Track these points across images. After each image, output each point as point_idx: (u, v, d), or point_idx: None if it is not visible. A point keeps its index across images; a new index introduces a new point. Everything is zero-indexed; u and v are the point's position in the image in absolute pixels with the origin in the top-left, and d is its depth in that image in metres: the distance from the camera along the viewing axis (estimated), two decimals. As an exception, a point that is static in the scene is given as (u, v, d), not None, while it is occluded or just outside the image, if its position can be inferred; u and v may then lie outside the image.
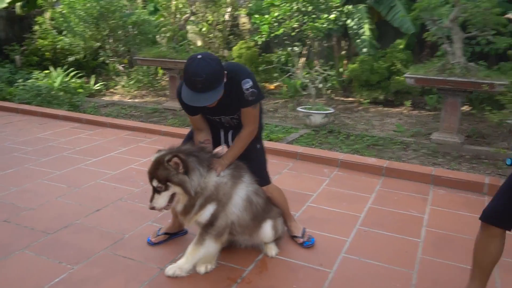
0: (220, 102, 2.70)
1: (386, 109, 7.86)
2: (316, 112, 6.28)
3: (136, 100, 8.61)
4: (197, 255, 2.76)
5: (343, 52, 9.49)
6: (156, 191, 2.59)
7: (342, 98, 8.74)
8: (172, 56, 7.10)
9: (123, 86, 9.13)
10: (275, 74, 9.12)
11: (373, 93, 7.91)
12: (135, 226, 3.40)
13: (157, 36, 9.82)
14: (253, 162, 2.97)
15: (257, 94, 2.73)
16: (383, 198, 4.11)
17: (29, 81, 8.11)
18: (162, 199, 2.58)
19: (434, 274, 2.92)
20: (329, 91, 8.73)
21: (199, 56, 2.50)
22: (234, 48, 9.34)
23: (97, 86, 9.05)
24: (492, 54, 7.23)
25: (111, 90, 9.37)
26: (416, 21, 7.40)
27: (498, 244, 2.33)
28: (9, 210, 3.63)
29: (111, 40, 9.13)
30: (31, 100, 7.53)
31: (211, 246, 2.75)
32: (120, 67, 9.41)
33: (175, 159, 2.51)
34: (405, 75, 5.79)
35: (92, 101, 8.19)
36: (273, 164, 4.95)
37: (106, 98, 8.73)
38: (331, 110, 6.48)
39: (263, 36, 8.30)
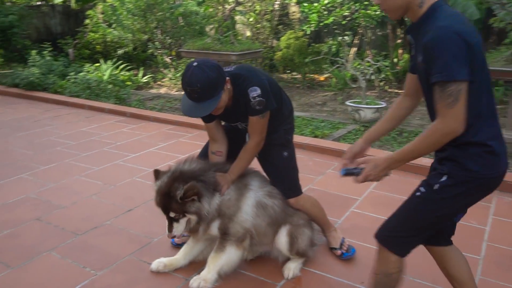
0: (230, 109, 2.52)
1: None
2: (366, 106, 5.86)
3: (183, 93, 8.54)
4: (219, 263, 2.58)
5: (399, 41, 8.90)
6: (173, 220, 2.47)
7: (396, 90, 8.20)
8: (216, 48, 6.92)
9: (170, 79, 9.10)
10: (325, 65, 8.72)
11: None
12: (163, 230, 3.21)
13: (207, 28, 9.73)
14: (279, 172, 2.76)
15: (266, 103, 2.45)
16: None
17: (80, 74, 8.26)
18: (181, 226, 2.49)
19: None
20: (382, 83, 8.23)
21: (195, 64, 2.32)
22: (282, 38, 9.03)
23: (145, 79, 9.08)
24: None
25: (159, 82, 9.37)
26: (481, 6, 6.75)
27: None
28: (43, 208, 3.60)
29: (159, 32, 9.11)
30: (81, 93, 7.64)
31: (232, 252, 2.59)
32: (168, 59, 9.38)
33: (191, 195, 2.38)
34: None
35: (138, 94, 8.21)
36: (316, 164, 4.66)
37: (153, 91, 8.73)
38: (383, 104, 6.03)
39: (312, 25, 7.92)
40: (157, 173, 2.61)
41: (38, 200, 3.74)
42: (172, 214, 2.43)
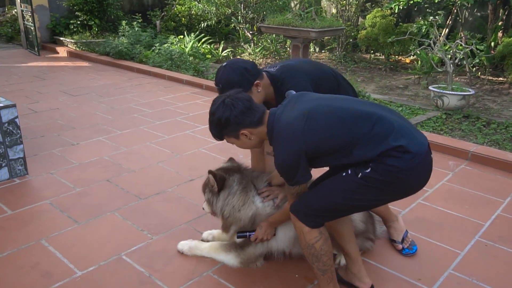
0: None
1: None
2: (450, 92, 5.42)
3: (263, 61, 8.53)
4: (213, 256, 2.60)
5: (500, 23, 8.08)
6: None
7: (490, 78, 7.51)
8: (295, 24, 6.75)
9: (250, 54, 9.12)
10: (412, 47, 8.19)
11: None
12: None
13: (291, 3, 9.56)
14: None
15: None
16: (519, 205, 3.34)
17: (164, 45, 8.56)
18: (206, 208, 2.60)
19: None
20: (474, 69, 7.58)
21: (225, 64, 2.46)
22: (368, 16, 8.61)
23: (225, 53, 9.18)
24: None
25: (238, 56, 9.44)
26: None
27: None
28: (114, 170, 3.80)
29: (242, 7, 9.12)
30: (163, 64, 7.93)
31: (231, 263, 2.55)
32: (249, 34, 9.39)
33: (210, 176, 2.45)
34: None
35: (216, 67, 8.33)
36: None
37: (232, 65, 8.81)
38: (471, 92, 5.54)
39: (401, 3, 7.45)
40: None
41: (110, 162, 3.96)
42: (205, 196, 2.58)
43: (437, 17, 7.26)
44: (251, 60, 8.97)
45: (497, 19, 7.88)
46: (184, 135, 4.70)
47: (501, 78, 7.42)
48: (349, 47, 9.63)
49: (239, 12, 9.26)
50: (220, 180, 2.43)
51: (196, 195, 3.38)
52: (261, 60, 9.05)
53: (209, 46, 9.20)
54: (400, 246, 2.72)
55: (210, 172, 2.44)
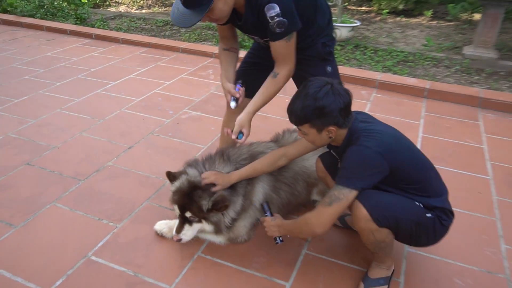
0: (243, 19, 1.94)
1: (405, 19, 6.84)
2: (342, 25, 5.31)
3: (144, 11, 7.43)
4: (201, 235, 2.09)
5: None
6: (187, 221, 1.95)
7: (357, 8, 7.62)
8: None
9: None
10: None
11: (393, 1, 6.82)
12: (176, 168, 2.72)
13: None
14: None
15: (288, 24, 1.85)
16: (433, 125, 3.43)
17: (29, -9, 6.85)
18: (192, 232, 1.97)
19: (521, 223, 2.35)
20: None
21: None
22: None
23: (101, -4, 7.76)
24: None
25: (116, 0, 8.08)
26: None
27: None
28: (30, 149, 2.91)
29: None
30: (34, 12, 6.38)
31: (218, 241, 2.11)
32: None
33: (222, 209, 1.90)
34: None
35: (98, 13, 7.02)
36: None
37: (112, 9, 7.52)
38: (358, 23, 5.50)
39: None
40: (172, 176, 2.04)
41: (20, 140, 3.03)
42: (188, 214, 1.92)
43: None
44: (130, 2, 7.60)
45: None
46: (96, 96, 3.83)
47: (364, 8, 7.58)
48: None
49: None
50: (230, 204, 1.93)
51: (143, 165, 2.77)
52: (142, 2, 7.87)
53: (82, -10, 7.64)
54: None
55: (225, 198, 1.89)
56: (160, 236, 2.13)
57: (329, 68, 2.21)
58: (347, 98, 1.60)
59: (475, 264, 2.05)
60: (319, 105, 1.56)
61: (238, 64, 2.37)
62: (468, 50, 4.99)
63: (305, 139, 1.74)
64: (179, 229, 1.95)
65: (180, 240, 1.96)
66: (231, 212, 1.96)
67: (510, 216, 2.40)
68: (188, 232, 1.96)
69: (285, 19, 1.83)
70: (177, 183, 1.99)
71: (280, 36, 1.88)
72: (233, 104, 2.15)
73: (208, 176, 1.95)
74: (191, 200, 1.90)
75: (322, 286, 1.89)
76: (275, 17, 1.81)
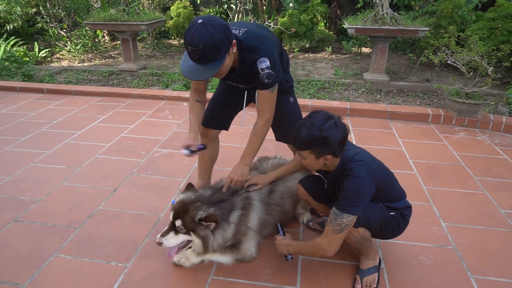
0: (235, 71, 1.94)
1: (312, 55, 7.33)
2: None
3: (86, 64, 6.96)
4: (212, 258, 2.02)
5: (265, 8, 8.54)
6: (174, 229, 1.84)
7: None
8: (124, 19, 5.66)
9: (69, 51, 7.33)
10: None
11: (301, 42, 7.27)
12: (165, 203, 2.58)
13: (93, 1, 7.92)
14: (289, 118, 2.23)
15: (275, 76, 1.89)
16: (362, 137, 3.70)
17: (-32, 53, 6.06)
18: (175, 241, 1.84)
19: (449, 202, 2.62)
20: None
21: (200, 21, 1.66)
22: (172, 8, 7.89)
23: (42, 53, 7.12)
24: (401, 5, 6.90)
25: (57, 56, 7.49)
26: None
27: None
28: (13, 205, 2.54)
29: (48, 5, 7.10)
30: (-24, 73, 5.64)
31: (226, 262, 2.02)
32: (63, 33, 7.48)
33: (210, 221, 1.81)
34: (346, 25, 5.21)
35: (42, 69, 6.43)
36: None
37: (55, 65, 6.94)
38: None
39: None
40: (186, 188, 1.98)
41: (0, 198, 2.63)
42: (178, 223, 1.82)
43: (232, 5, 7.12)
44: (71, 57, 7.19)
45: (263, 4, 8.28)
46: (66, 146, 3.48)
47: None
48: (159, 36, 8.76)
49: (47, 11, 7.22)
50: (220, 221, 1.84)
51: (133, 204, 2.57)
52: (83, 57, 7.39)
53: (21, 49, 6.96)
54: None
55: (213, 219, 1.80)
56: (179, 266, 1.98)
57: (291, 99, 2.29)
58: (346, 132, 1.66)
59: (430, 242, 2.22)
60: (324, 135, 1.60)
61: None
62: (367, 76, 5.49)
63: (302, 162, 1.77)
64: (165, 234, 1.84)
65: (160, 244, 1.83)
66: (218, 237, 1.85)
67: (439, 199, 2.66)
68: (171, 240, 1.83)
69: (272, 72, 1.87)
70: (183, 195, 1.92)
71: (267, 86, 1.92)
72: (185, 152, 1.96)
73: (250, 178, 2.07)
74: (186, 210, 1.82)
75: (325, 284, 1.90)
76: (265, 69, 1.85)
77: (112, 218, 2.41)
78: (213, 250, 1.88)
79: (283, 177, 2.18)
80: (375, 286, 1.88)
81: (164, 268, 1.99)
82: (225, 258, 2.00)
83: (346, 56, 7.25)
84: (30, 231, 2.28)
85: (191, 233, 1.82)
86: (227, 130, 2.43)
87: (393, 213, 1.82)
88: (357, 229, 1.77)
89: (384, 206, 1.81)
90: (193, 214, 1.80)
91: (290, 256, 1.90)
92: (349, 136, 3.50)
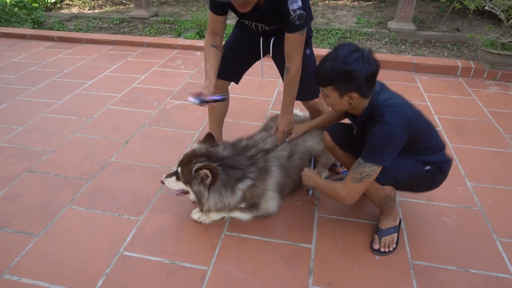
0: (258, 9, 1.76)
1: (333, 2, 6.79)
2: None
3: (96, 11, 6.67)
4: (232, 215, 1.95)
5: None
6: (176, 175, 1.80)
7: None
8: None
9: (81, -4, 6.99)
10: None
11: (321, -13, 6.72)
12: (177, 156, 2.49)
13: None
14: (304, 71, 2.02)
15: (306, 17, 1.74)
16: (384, 90, 3.45)
17: (-26, -2, 5.83)
18: (175, 186, 1.82)
19: (476, 161, 2.44)
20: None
21: None
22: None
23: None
24: None
25: (66, 1, 7.18)
26: None
27: None
28: (26, 156, 2.50)
29: None
30: (-15, 20, 5.46)
31: (246, 218, 1.94)
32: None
33: (206, 171, 1.69)
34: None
35: (52, 16, 6.19)
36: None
37: (65, 11, 6.67)
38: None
39: None
40: (204, 139, 1.88)
41: (14, 148, 2.59)
42: (179, 170, 1.78)
43: None
44: (81, 3, 6.89)
45: None
46: (77, 96, 3.38)
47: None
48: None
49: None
50: (216, 176, 1.71)
51: (145, 157, 2.49)
52: (93, 3, 7.06)
53: (29, -6, 6.66)
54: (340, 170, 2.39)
55: (208, 166, 1.68)
56: (199, 223, 1.92)
57: (307, 51, 2.09)
58: (375, 67, 1.44)
59: (454, 202, 2.09)
60: (348, 69, 1.41)
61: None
62: (392, 24, 5.07)
63: (325, 102, 1.59)
64: (169, 176, 1.83)
65: (162, 183, 1.83)
66: (212, 200, 1.75)
67: (465, 158, 2.48)
68: (172, 183, 1.82)
69: (304, 12, 1.70)
70: (197, 145, 1.86)
71: (298, 28, 1.75)
72: (192, 100, 1.77)
73: (284, 129, 2.01)
74: (190, 161, 1.76)
75: (341, 242, 1.82)
76: (297, 10, 1.68)
77: (124, 171, 2.34)
78: (207, 210, 1.79)
79: (318, 127, 2.07)
80: (394, 246, 1.79)
81: (176, 222, 1.94)
82: (244, 216, 1.93)
83: (370, 3, 6.69)
84: (43, 182, 2.24)
85: (187, 185, 1.77)
86: (237, 83, 2.27)
87: (428, 167, 1.65)
88: (383, 187, 1.62)
89: (418, 160, 1.64)
90: (191, 168, 1.73)
91: (311, 192, 1.82)
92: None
